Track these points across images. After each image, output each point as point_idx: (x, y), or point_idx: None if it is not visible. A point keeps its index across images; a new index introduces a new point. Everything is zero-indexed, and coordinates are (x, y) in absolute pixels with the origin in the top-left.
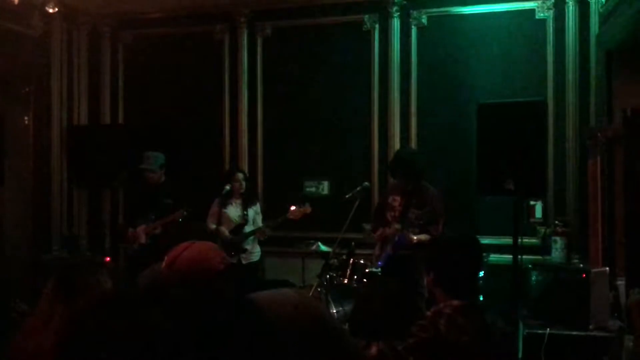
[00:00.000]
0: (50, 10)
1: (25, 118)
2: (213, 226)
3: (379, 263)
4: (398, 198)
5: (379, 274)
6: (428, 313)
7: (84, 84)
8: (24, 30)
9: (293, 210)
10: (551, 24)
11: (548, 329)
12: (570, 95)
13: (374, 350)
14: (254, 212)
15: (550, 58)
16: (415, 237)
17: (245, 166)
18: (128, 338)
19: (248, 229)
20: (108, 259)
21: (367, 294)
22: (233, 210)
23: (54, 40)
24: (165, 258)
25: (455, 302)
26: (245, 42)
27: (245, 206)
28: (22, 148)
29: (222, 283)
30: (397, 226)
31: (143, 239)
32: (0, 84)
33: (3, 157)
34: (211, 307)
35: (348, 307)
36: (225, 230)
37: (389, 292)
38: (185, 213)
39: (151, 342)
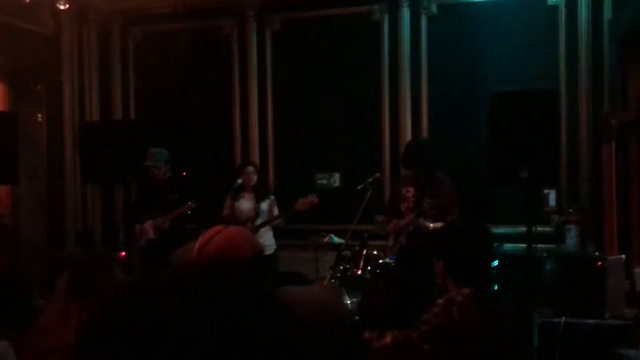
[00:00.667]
0: (61, 7)
1: (39, 115)
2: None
3: (393, 256)
4: (411, 189)
5: (392, 265)
6: (440, 301)
7: (95, 80)
8: (35, 29)
9: (300, 202)
10: (563, 10)
11: (563, 318)
12: (584, 82)
13: (388, 339)
14: (267, 205)
15: (562, 44)
16: (431, 225)
17: (256, 159)
18: (143, 330)
19: (259, 222)
20: (123, 253)
21: (380, 285)
22: (245, 204)
23: (65, 37)
24: (198, 240)
25: (467, 291)
26: (254, 35)
27: (257, 199)
28: (36, 146)
29: (249, 273)
30: (411, 216)
31: (151, 235)
32: (12, 82)
33: (18, 156)
34: (235, 300)
35: (361, 299)
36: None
37: (402, 283)
38: (194, 206)
39: (167, 335)
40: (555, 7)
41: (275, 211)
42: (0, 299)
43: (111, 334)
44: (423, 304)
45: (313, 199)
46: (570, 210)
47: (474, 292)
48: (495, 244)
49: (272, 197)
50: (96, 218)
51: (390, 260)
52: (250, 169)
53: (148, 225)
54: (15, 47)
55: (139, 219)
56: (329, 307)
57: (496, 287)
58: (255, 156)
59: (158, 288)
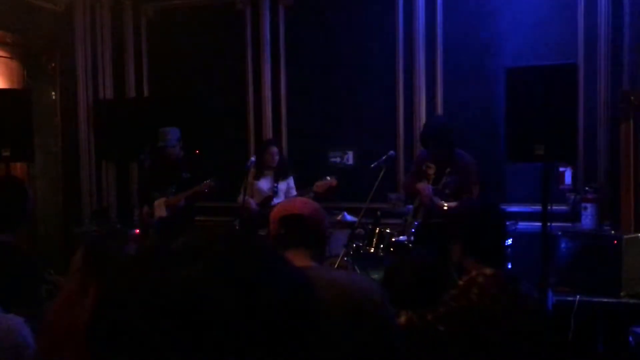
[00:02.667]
0: None
1: (53, 93)
2: (241, 197)
3: (412, 230)
4: (432, 165)
5: (408, 243)
6: (460, 282)
7: (108, 57)
8: (47, 6)
9: (318, 183)
10: None
11: (578, 297)
12: (602, 57)
13: (402, 319)
14: (287, 186)
15: (580, 17)
16: (446, 205)
17: (269, 137)
18: (160, 297)
19: (277, 201)
20: (137, 231)
21: (398, 263)
22: (264, 183)
23: (77, 14)
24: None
25: (488, 271)
26: (267, 11)
27: (276, 179)
28: (50, 123)
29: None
30: (429, 190)
31: (163, 212)
32: (26, 60)
33: (32, 133)
34: (256, 270)
35: (375, 276)
36: (252, 202)
37: (421, 261)
38: (212, 184)
39: (187, 304)
40: None
41: (293, 192)
42: (15, 276)
43: (123, 306)
44: (440, 284)
45: (332, 180)
46: (587, 188)
47: (495, 272)
48: (509, 222)
49: (292, 179)
50: (111, 195)
51: (404, 239)
52: (274, 149)
53: (161, 202)
54: (28, 24)
55: (148, 198)
56: (350, 291)
57: (510, 266)
58: (269, 134)
59: (180, 253)
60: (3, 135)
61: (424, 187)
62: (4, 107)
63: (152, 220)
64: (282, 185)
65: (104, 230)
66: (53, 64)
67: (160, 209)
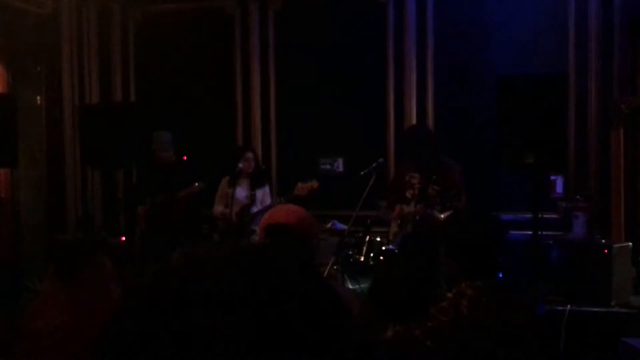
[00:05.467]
0: None
1: (37, 98)
2: (219, 208)
3: (397, 243)
4: (417, 175)
5: (396, 252)
6: (449, 294)
7: (94, 62)
8: (33, 9)
9: (300, 186)
10: None
11: (569, 306)
12: (593, 65)
13: (389, 333)
14: (261, 194)
15: (571, 26)
16: (442, 216)
17: (258, 144)
18: (187, 304)
19: (255, 209)
20: (123, 238)
21: (386, 274)
22: (240, 191)
23: (64, 18)
24: None
25: (478, 283)
26: (256, 16)
27: (252, 186)
28: (35, 128)
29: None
30: (419, 206)
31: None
32: (11, 64)
33: (16, 138)
34: (285, 281)
35: (364, 285)
36: (229, 213)
37: (409, 272)
38: (203, 185)
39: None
40: None
41: (268, 199)
42: None
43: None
44: (429, 295)
45: (313, 183)
46: (578, 197)
47: (485, 283)
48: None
49: (267, 186)
50: (97, 202)
51: (394, 247)
52: (250, 155)
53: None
54: (13, 28)
55: (141, 202)
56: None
57: (500, 275)
58: (258, 140)
59: (213, 261)
60: None
61: (399, 211)
62: None
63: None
64: (259, 193)
65: (71, 239)
66: (38, 68)
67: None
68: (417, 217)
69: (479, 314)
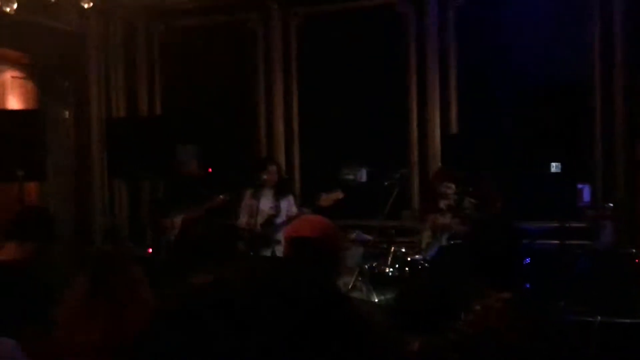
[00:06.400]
0: (85, 6)
1: (66, 112)
2: (244, 219)
3: (430, 253)
4: (452, 185)
5: (425, 263)
6: (477, 307)
7: (120, 76)
8: (61, 26)
9: (324, 197)
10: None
11: (598, 317)
12: (619, 74)
13: (416, 346)
14: (286, 204)
15: (597, 35)
16: None
17: (282, 155)
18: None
19: (279, 220)
20: (150, 250)
21: (411, 286)
22: (265, 202)
23: (90, 34)
24: None
25: (506, 295)
26: (278, 29)
27: (277, 197)
28: (63, 142)
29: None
30: (456, 221)
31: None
32: (39, 80)
33: (45, 153)
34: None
35: (389, 296)
36: (254, 223)
37: (435, 285)
38: (228, 199)
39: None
40: None
41: (294, 209)
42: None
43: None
44: (458, 307)
45: (337, 193)
46: (605, 205)
47: (514, 296)
48: (525, 241)
49: (291, 197)
50: (123, 215)
51: (420, 258)
52: (273, 167)
53: (179, 219)
54: (41, 45)
55: (166, 214)
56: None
57: (528, 286)
58: (281, 151)
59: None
60: (17, 155)
61: (433, 220)
62: (17, 127)
63: (169, 235)
64: (283, 204)
65: (102, 254)
66: (66, 83)
67: (179, 225)
68: (453, 231)
69: (506, 328)
